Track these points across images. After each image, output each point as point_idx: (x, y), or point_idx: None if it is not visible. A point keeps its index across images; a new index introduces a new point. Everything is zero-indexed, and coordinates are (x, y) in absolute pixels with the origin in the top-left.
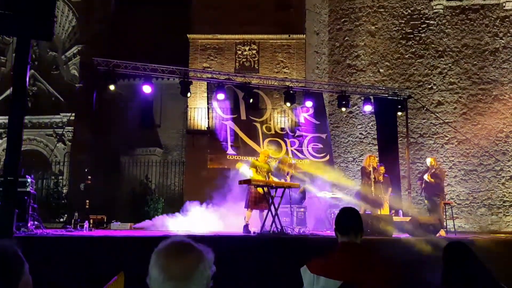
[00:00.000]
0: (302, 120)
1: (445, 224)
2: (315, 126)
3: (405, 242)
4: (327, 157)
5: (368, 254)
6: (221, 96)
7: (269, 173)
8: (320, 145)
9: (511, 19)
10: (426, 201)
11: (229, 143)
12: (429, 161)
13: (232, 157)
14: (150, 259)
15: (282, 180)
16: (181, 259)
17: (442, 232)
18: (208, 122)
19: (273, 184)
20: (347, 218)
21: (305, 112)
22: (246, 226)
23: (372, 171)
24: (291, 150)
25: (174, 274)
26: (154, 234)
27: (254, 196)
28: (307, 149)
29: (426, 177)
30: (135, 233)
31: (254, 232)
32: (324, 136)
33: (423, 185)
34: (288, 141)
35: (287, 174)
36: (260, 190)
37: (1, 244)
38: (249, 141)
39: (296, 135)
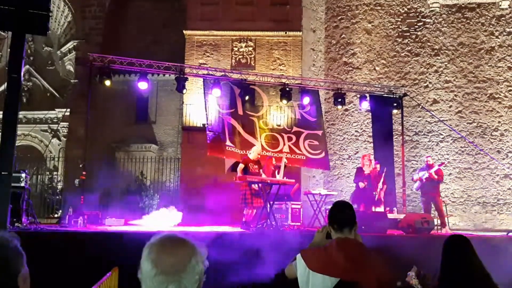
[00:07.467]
0: (298, 116)
1: (446, 222)
2: (311, 123)
3: (400, 239)
4: (323, 154)
5: (364, 250)
6: (217, 92)
7: (261, 170)
8: (316, 142)
9: (507, 18)
10: (422, 199)
11: (227, 135)
12: (428, 159)
13: (230, 148)
14: (142, 253)
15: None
16: (173, 254)
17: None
18: (206, 116)
19: (269, 181)
20: (341, 212)
21: (301, 109)
22: (244, 223)
23: (366, 169)
24: (289, 145)
25: (166, 268)
26: (148, 230)
27: (250, 194)
28: (304, 145)
29: (430, 172)
30: (129, 229)
31: (251, 229)
32: (319, 133)
33: (423, 181)
34: (285, 135)
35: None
36: (255, 187)
37: (1, 237)
38: (246, 135)
39: (293, 130)
